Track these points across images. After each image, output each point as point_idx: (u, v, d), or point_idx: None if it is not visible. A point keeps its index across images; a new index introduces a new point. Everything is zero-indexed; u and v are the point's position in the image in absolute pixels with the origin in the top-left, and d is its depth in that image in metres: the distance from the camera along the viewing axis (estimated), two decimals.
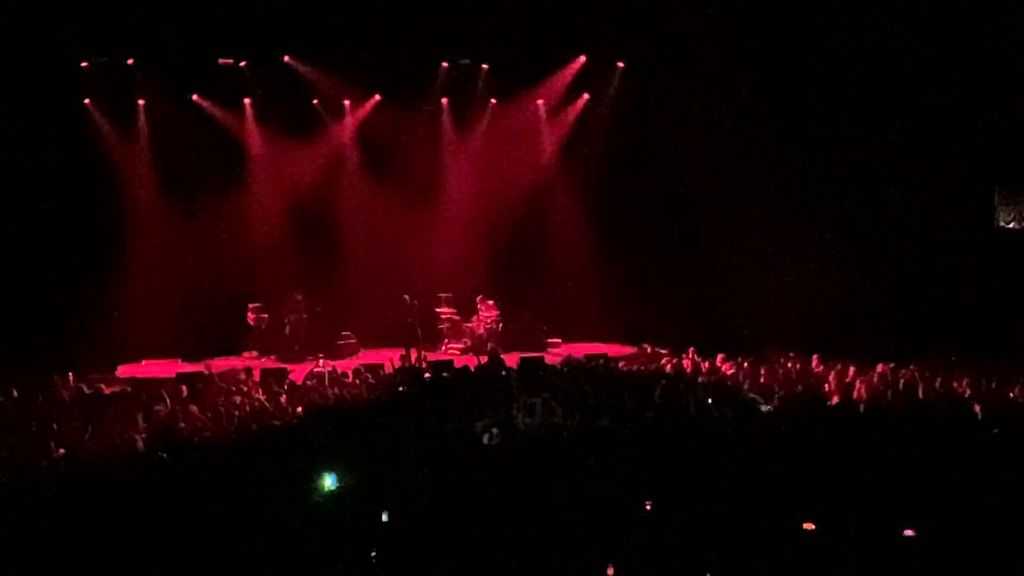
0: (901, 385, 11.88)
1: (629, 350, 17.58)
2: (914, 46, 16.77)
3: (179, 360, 16.88)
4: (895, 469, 6.99)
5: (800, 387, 12.01)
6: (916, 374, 12.53)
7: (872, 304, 17.13)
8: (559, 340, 18.77)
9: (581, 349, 17.24)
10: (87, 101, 17.80)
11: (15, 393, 11.98)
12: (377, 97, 19.04)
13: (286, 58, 18.14)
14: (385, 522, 6.38)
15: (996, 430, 8.60)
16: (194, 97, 18.29)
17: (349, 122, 19.34)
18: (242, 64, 18.04)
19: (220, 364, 15.41)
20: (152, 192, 18.34)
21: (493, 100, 19.34)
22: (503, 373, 12.52)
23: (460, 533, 6.05)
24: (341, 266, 18.80)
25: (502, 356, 14.69)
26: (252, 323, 18.08)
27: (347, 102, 19.20)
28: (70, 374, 13.69)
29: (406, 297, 16.94)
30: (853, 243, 17.80)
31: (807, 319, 16.69)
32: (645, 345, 17.84)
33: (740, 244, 18.09)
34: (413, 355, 15.58)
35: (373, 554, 6.07)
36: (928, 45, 16.67)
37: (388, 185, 19.14)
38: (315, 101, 18.87)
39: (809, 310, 17.04)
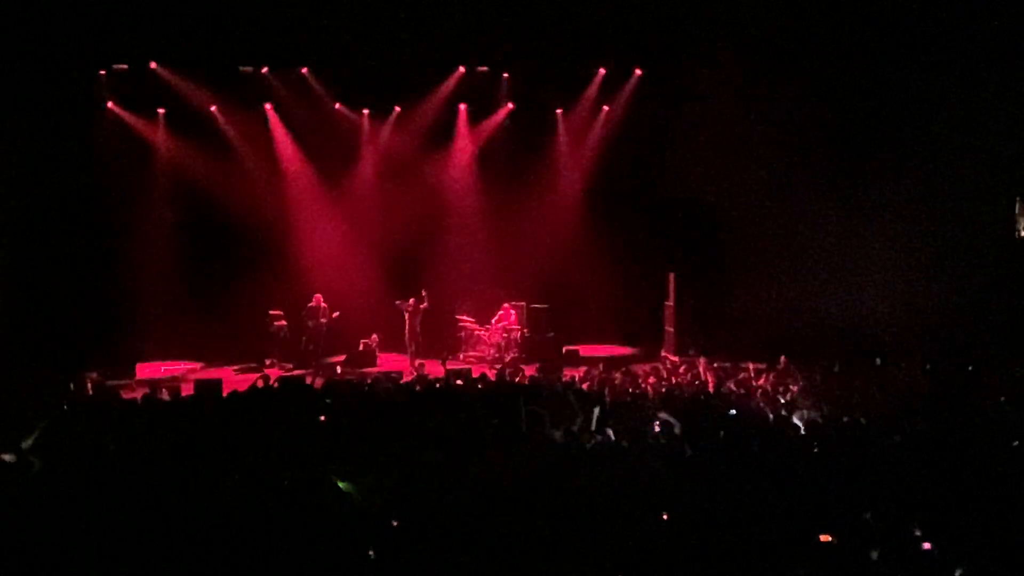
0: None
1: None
2: (937, 56, 16.73)
3: (201, 365, 16.93)
4: (913, 481, 6.96)
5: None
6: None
7: (892, 313, 17.05)
8: (577, 349, 18.75)
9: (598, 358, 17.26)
10: (110, 104, 17.86)
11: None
12: (397, 109, 19.17)
13: (304, 70, 18.27)
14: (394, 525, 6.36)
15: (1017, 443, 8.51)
16: (212, 108, 18.37)
17: (370, 132, 19.45)
18: (264, 70, 18.11)
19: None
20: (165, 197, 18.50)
21: (511, 105, 19.37)
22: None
23: (470, 540, 6.06)
24: (363, 272, 18.87)
25: (522, 367, 14.65)
26: (272, 330, 18.15)
27: (366, 112, 19.29)
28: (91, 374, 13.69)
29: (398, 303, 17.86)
30: (873, 253, 17.73)
31: (825, 327, 16.63)
32: (663, 354, 17.83)
33: (760, 251, 18.05)
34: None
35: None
36: (951, 55, 16.62)
37: (408, 193, 19.14)
38: (337, 105, 18.95)
39: (828, 318, 16.99)
